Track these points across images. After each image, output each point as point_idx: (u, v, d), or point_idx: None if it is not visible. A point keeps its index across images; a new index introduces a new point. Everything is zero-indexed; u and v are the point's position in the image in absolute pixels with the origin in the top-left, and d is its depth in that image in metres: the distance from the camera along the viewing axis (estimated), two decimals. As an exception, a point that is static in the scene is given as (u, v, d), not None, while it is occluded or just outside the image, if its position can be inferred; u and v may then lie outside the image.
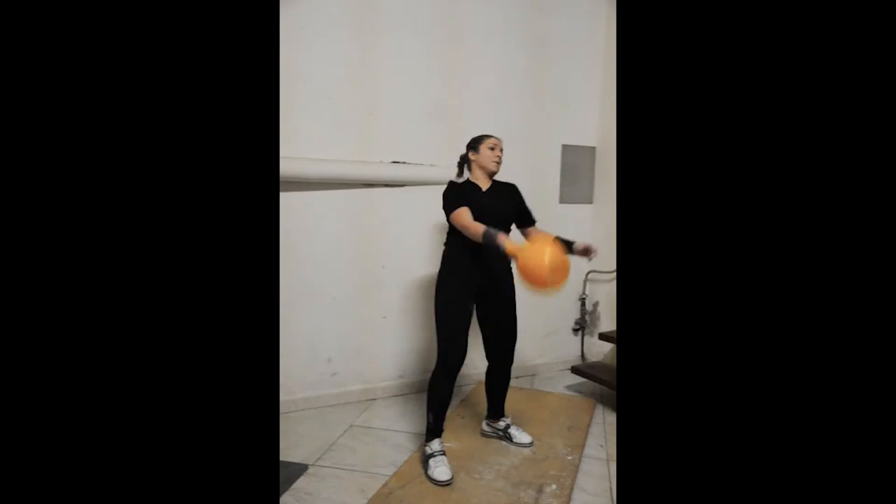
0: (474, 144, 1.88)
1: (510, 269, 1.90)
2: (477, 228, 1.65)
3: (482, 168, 1.86)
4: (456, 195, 1.79)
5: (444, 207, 1.80)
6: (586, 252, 1.79)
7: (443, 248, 1.90)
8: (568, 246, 1.81)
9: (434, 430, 1.86)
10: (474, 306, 1.87)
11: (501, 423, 2.08)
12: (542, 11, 2.73)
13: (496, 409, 2.08)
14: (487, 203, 1.82)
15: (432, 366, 2.61)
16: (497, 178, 1.92)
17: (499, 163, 1.87)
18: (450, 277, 1.83)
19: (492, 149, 1.85)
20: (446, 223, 1.83)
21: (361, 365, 2.51)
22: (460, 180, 1.89)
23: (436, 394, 1.86)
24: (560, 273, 1.50)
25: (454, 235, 1.83)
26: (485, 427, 2.13)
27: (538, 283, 1.49)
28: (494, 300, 1.89)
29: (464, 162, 1.91)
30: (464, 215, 1.72)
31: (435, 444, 1.84)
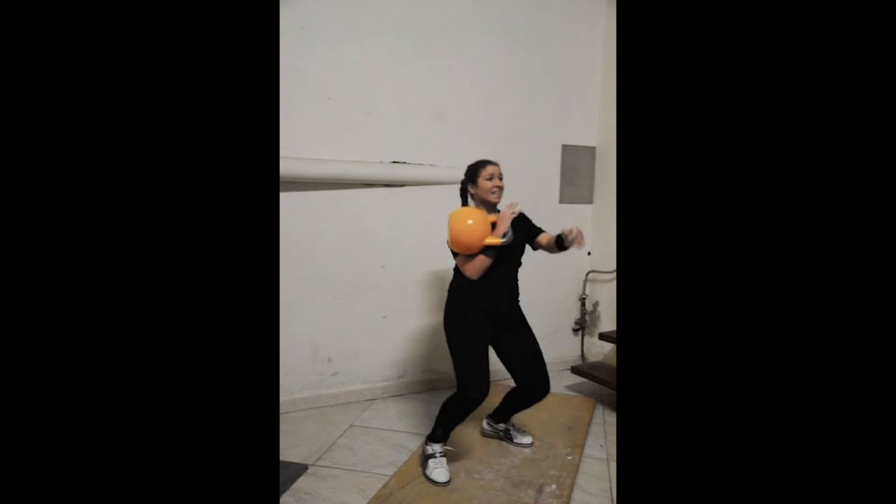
0: (472, 176, 1.78)
1: (518, 303, 1.88)
2: (482, 262, 1.66)
3: (483, 202, 1.77)
4: None
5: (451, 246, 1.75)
6: (569, 237, 1.64)
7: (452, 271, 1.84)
8: (559, 240, 1.71)
9: (440, 438, 1.85)
10: (491, 334, 1.81)
11: (502, 425, 2.08)
12: (542, 12, 2.74)
13: (503, 415, 2.05)
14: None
15: (433, 366, 2.64)
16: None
17: (500, 192, 1.77)
18: (464, 305, 1.77)
19: (490, 178, 1.74)
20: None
21: (361, 365, 2.51)
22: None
23: (450, 417, 1.80)
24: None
25: (463, 274, 1.76)
26: (485, 426, 2.13)
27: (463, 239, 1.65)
28: (513, 332, 1.84)
29: (465, 191, 1.84)
30: (468, 264, 1.69)
31: (436, 447, 1.83)
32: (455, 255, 1.76)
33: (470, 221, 1.64)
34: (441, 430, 1.84)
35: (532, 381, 1.87)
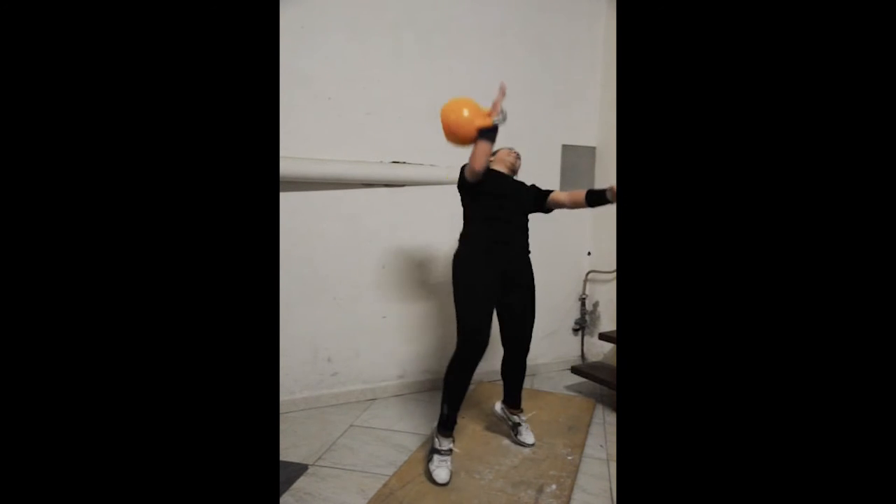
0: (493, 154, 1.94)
1: (529, 256, 1.92)
2: (484, 148, 1.67)
3: (501, 161, 1.94)
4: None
5: (460, 178, 1.81)
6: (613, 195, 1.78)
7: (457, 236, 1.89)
8: (601, 194, 1.83)
9: (447, 422, 1.81)
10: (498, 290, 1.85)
11: (516, 418, 2.06)
12: (542, 12, 2.74)
13: (513, 397, 2.05)
14: (509, 191, 1.85)
15: (433, 366, 2.64)
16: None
17: (518, 160, 1.95)
18: (472, 259, 1.80)
19: (509, 151, 1.96)
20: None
21: (361, 365, 2.51)
22: None
23: (453, 385, 1.80)
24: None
25: (473, 221, 1.83)
26: (498, 410, 2.11)
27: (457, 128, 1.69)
28: (515, 286, 1.87)
29: None
30: (472, 158, 1.70)
31: (445, 443, 1.80)
32: (462, 178, 1.77)
33: (466, 112, 1.66)
34: (448, 409, 1.81)
35: (514, 338, 1.93)
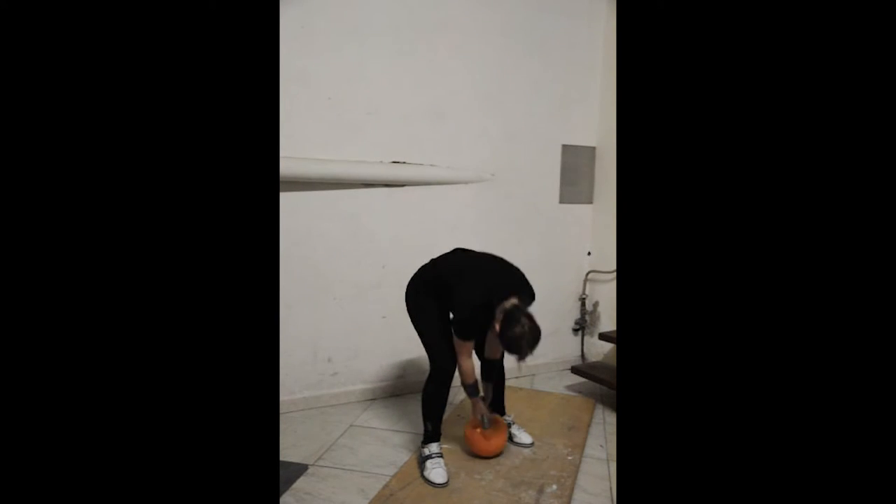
0: None
1: None
2: (467, 375, 1.82)
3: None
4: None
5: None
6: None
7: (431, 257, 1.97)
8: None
9: (432, 435, 1.86)
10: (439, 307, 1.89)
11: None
12: (542, 12, 2.73)
13: (496, 405, 2.08)
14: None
15: (432, 365, 2.63)
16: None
17: None
18: (415, 287, 1.91)
19: None
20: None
21: (361, 365, 2.51)
22: None
23: (432, 402, 1.87)
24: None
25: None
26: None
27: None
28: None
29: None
30: (463, 354, 1.80)
31: (433, 447, 1.84)
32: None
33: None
34: (430, 424, 1.86)
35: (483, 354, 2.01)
